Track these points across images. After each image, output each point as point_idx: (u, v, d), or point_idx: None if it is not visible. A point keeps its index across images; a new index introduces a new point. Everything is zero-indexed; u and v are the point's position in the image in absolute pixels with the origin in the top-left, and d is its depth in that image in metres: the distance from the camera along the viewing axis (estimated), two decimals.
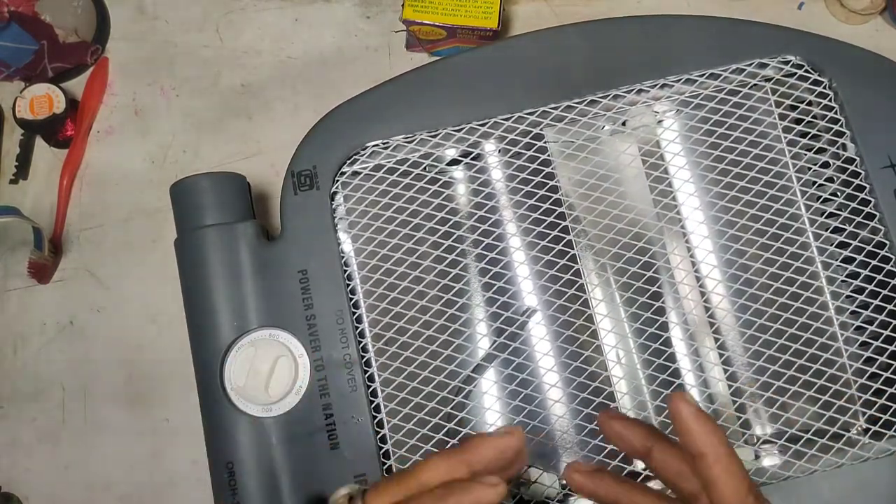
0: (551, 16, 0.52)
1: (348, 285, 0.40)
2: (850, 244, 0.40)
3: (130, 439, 0.46)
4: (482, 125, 0.42)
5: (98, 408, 0.47)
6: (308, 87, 0.51)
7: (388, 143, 0.42)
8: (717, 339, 0.41)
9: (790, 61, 0.42)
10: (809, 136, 0.42)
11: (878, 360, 0.39)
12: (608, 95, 0.42)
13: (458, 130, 0.42)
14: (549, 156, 0.42)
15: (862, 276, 0.40)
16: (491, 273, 0.41)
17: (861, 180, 0.41)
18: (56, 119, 0.49)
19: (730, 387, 0.40)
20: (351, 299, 0.40)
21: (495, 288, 0.41)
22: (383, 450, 0.38)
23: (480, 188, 0.43)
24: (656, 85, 0.42)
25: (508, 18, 0.52)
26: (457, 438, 0.39)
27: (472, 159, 0.43)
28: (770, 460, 0.39)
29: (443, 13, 0.46)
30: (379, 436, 0.38)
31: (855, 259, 0.40)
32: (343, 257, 0.41)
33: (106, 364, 0.47)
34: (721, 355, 0.40)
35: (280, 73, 0.51)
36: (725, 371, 0.40)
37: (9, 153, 0.51)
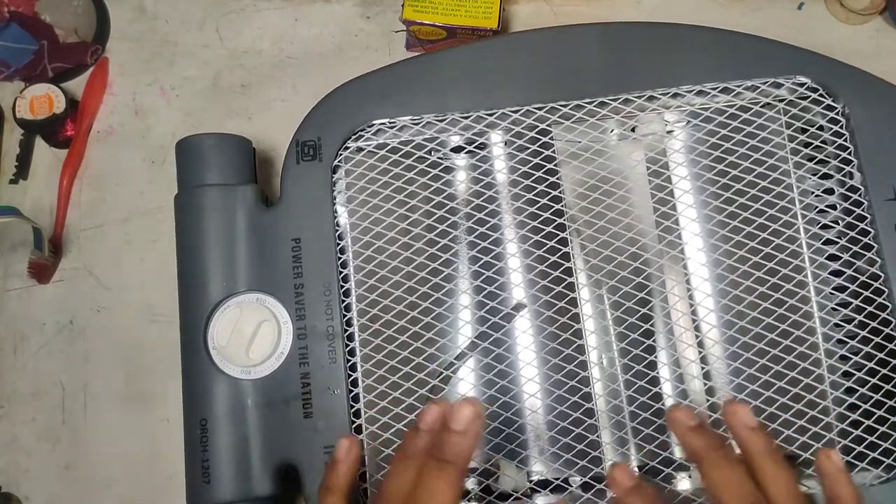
0: (551, 16, 0.51)
1: (340, 258, 0.40)
2: (845, 272, 0.40)
3: (130, 439, 0.46)
4: (490, 115, 0.42)
5: (98, 408, 0.47)
6: (308, 88, 0.50)
7: (394, 122, 0.42)
8: (700, 352, 0.40)
9: (805, 83, 0.42)
10: (817, 160, 0.42)
11: (858, 391, 0.39)
12: (619, 98, 0.42)
13: (466, 117, 0.42)
14: (553, 152, 0.42)
15: (853, 305, 0.40)
16: (481, 262, 0.41)
17: (863, 210, 0.40)
18: (56, 119, 0.48)
19: (707, 400, 0.40)
20: (341, 272, 0.40)
21: (484, 277, 0.41)
22: (356, 424, 0.39)
23: (481, 177, 0.43)
24: (668, 93, 0.42)
25: (508, 18, 0.51)
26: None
27: (475, 148, 0.43)
28: None
29: (443, 13, 0.46)
30: (353, 410, 0.39)
31: (847, 288, 0.40)
32: (338, 230, 0.41)
33: (106, 364, 0.47)
34: (702, 368, 0.40)
35: (280, 73, 0.51)
36: (705, 384, 0.40)
37: (9, 153, 0.50)
